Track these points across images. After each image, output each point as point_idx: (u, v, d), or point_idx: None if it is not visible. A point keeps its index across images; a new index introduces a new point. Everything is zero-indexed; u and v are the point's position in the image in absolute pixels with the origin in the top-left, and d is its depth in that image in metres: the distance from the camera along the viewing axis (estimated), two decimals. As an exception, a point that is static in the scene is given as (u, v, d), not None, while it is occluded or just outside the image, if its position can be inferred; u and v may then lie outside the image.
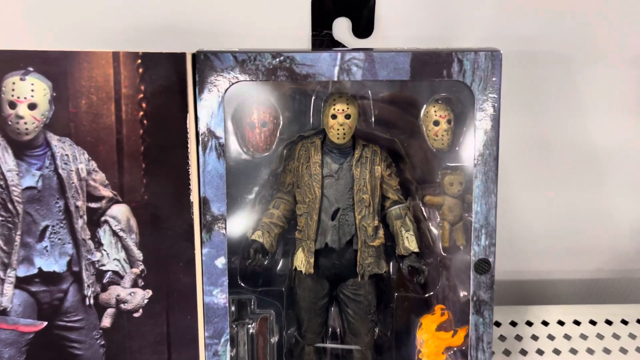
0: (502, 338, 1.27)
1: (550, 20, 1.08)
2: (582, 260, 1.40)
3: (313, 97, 0.91)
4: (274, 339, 0.93)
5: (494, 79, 0.84)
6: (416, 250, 0.90)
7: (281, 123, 0.90)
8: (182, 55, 0.81)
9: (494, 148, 0.88)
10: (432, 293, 0.94)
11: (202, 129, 0.82)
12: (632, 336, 1.25)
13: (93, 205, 0.80)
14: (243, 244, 0.90)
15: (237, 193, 0.90)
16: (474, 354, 0.89)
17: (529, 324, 1.29)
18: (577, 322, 1.28)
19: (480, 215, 0.87)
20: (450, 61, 0.84)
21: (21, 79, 0.75)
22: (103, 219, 0.82)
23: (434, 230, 0.93)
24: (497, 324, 1.30)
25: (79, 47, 0.80)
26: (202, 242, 0.85)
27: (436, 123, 0.88)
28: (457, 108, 0.88)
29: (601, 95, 1.17)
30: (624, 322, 1.27)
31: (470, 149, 0.86)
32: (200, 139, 0.83)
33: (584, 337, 1.25)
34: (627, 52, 1.13)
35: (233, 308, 0.89)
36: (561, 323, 1.28)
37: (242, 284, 0.92)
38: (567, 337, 1.26)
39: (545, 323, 1.29)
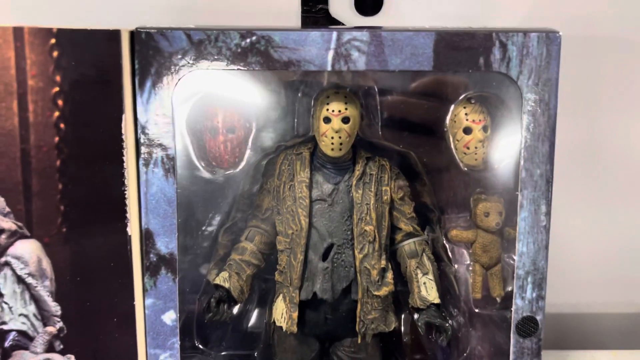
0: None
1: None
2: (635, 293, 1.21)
3: (300, 94, 0.67)
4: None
5: (549, 70, 0.65)
6: (437, 301, 0.71)
7: (254, 128, 0.71)
8: (116, 34, 0.63)
9: (547, 167, 0.65)
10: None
11: (144, 136, 0.65)
12: None
13: None
14: (202, 291, 0.73)
15: (193, 224, 0.73)
16: None
17: None
18: None
19: (527, 257, 0.69)
20: (490, 45, 0.63)
21: None
22: (3, 260, 0.63)
23: (462, 276, 0.74)
24: None
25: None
26: (144, 291, 0.68)
27: (468, 131, 0.70)
28: (497, 111, 0.70)
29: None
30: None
31: (514, 166, 0.68)
32: (140, 150, 0.65)
33: (639, 394, 1.02)
34: None
35: None
36: None
37: (200, 346, 0.75)
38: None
39: None
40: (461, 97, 0.69)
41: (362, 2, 0.79)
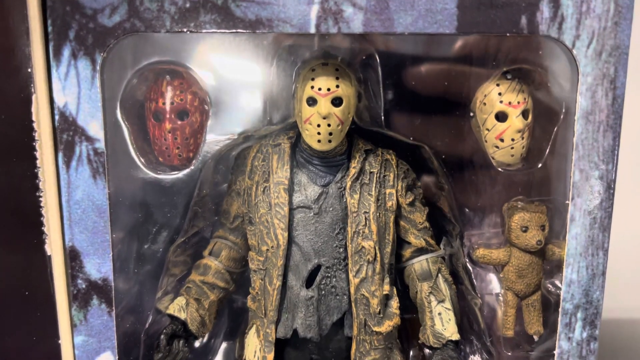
0: None
1: None
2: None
3: (274, 60, 0.51)
4: None
5: (618, 34, 0.49)
6: (455, 337, 0.57)
7: (210, 111, 0.56)
8: None
9: (608, 167, 0.50)
10: None
11: (63, 123, 0.50)
12: None
13: None
14: (150, 323, 0.59)
15: (134, 238, 0.57)
16: None
17: None
18: None
19: (577, 287, 0.54)
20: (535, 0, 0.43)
21: None
22: None
23: (490, 305, 0.60)
24: None
25: None
26: (72, 326, 0.54)
27: (502, 117, 0.55)
28: (543, 91, 0.55)
29: None
30: None
31: (564, 166, 0.53)
32: (59, 141, 0.51)
33: None
34: None
35: None
36: None
37: None
38: None
39: None
40: (495, 74, 0.52)
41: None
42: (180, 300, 0.57)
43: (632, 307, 1.14)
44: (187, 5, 0.47)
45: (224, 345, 0.63)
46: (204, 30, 0.48)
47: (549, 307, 0.58)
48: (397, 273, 0.60)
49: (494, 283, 0.60)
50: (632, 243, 1.06)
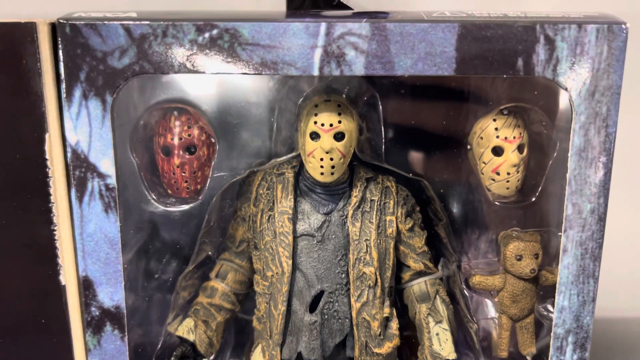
0: None
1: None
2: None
3: (278, 106, 0.52)
4: None
5: (610, 75, 0.49)
6: (452, 357, 0.59)
7: (217, 146, 0.57)
8: (30, 27, 0.45)
9: (600, 201, 0.50)
10: None
11: (75, 160, 0.51)
12: None
13: None
14: (161, 346, 0.60)
15: (145, 267, 0.59)
16: None
17: None
18: None
19: (568, 313, 0.56)
20: (533, 41, 0.49)
21: None
22: None
23: (485, 328, 0.61)
24: None
25: None
26: (87, 351, 0.56)
27: (498, 151, 0.56)
28: (537, 127, 0.57)
29: None
30: None
31: (557, 198, 0.54)
32: (72, 178, 0.52)
33: None
34: None
35: None
36: None
37: None
38: None
39: None
40: (493, 110, 0.53)
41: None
42: (189, 322, 0.59)
43: (624, 306, 1.19)
44: (194, 48, 0.48)
45: None
46: (210, 72, 0.49)
47: (542, 331, 0.59)
48: (396, 294, 0.60)
49: (489, 307, 0.60)
50: (624, 245, 1.10)
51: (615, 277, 1.07)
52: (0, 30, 0.47)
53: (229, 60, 0.48)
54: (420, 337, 0.59)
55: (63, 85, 0.49)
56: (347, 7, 0.56)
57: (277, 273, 0.56)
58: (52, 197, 0.50)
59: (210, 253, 0.58)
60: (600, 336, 1.06)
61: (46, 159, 0.50)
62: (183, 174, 0.53)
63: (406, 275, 0.59)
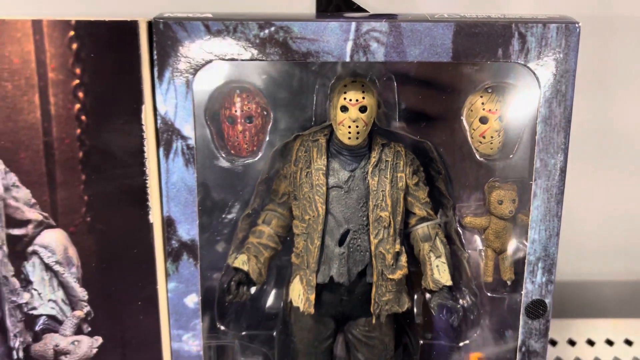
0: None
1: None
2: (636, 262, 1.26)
3: (317, 86, 0.68)
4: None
5: (567, 62, 0.65)
6: (449, 283, 0.73)
7: (272, 116, 0.71)
8: (133, 25, 0.61)
9: (560, 157, 0.65)
10: (467, 341, 0.77)
11: (164, 125, 0.65)
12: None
13: (16, 232, 0.64)
14: (222, 274, 0.74)
15: (214, 210, 0.73)
16: (519, 419, 0.70)
17: (572, 342, 1.15)
18: (628, 342, 1.14)
19: (538, 244, 0.70)
20: (509, 36, 0.63)
21: None
22: (31, 249, 0.65)
23: (474, 259, 0.75)
24: (552, 343, 1.17)
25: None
26: (166, 275, 0.69)
27: (484, 120, 0.69)
28: (514, 101, 0.70)
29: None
30: None
31: (529, 156, 0.69)
32: (160, 139, 0.65)
33: (637, 360, 1.10)
34: None
35: (210, 357, 0.73)
36: (610, 343, 1.14)
37: (221, 327, 0.76)
38: (638, 361, 1.10)
39: (590, 342, 1.15)
40: (479, 87, 0.69)
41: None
42: (243, 257, 0.72)
43: (584, 271, 1.28)
44: (257, 41, 0.63)
45: (273, 291, 0.78)
46: (268, 59, 0.64)
47: (519, 260, 0.72)
48: (405, 236, 0.74)
49: (477, 242, 0.75)
50: (580, 219, 1.15)
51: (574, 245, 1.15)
52: (112, 26, 0.60)
53: (283, 50, 0.63)
54: (423, 269, 0.73)
55: (156, 68, 0.62)
56: (364, 10, 0.72)
57: (313, 216, 0.71)
58: (145, 154, 0.64)
59: (262, 202, 0.74)
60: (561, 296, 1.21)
61: (142, 125, 0.63)
62: (244, 138, 0.68)
63: (412, 221, 0.73)
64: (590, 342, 1.12)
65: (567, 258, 1.21)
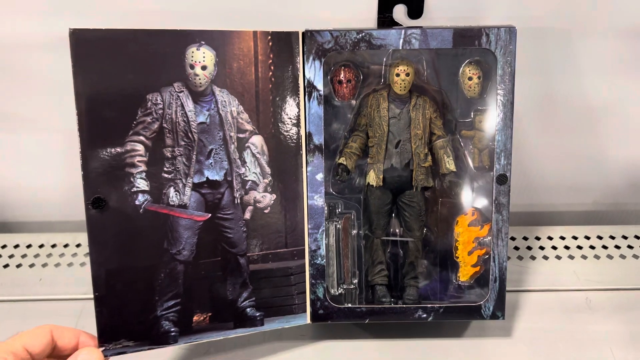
0: (516, 248, 1.64)
1: (556, 2, 1.41)
2: (582, 195, 1.70)
3: (384, 61, 1.29)
4: (354, 232, 1.33)
5: (510, 47, 1.17)
6: (454, 169, 1.29)
7: (361, 80, 1.27)
8: (296, 34, 1.20)
9: (510, 96, 1.26)
10: (465, 200, 1.28)
11: (308, 84, 1.18)
12: (617, 247, 1.58)
13: (240, 135, 1.13)
14: (334, 165, 1.25)
15: (331, 129, 1.24)
16: (495, 241, 1.29)
17: (538, 238, 1.64)
18: (574, 237, 1.64)
19: (501, 142, 1.21)
20: (480, 35, 1.22)
21: (197, 49, 1.15)
22: (247, 144, 1.14)
23: (468, 155, 1.28)
24: (513, 239, 1.66)
25: (226, 28, 1.20)
26: (307, 163, 1.18)
27: (470, 78, 1.22)
28: (485, 67, 1.20)
29: (595, 61, 1.48)
30: (612, 237, 1.62)
31: (494, 96, 1.19)
32: (306, 91, 1.17)
33: (579, 247, 1.59)
34: (616, 25, 1.43)
35: (327, 209, 1.23)
36: (562, 238, 1.64)
37: (333, 192, 1.25)
38: (567, 247, 1.59)
39: (550, 238, 1.64)
40: (466, 61, 1.31)
41: (411, 11, 1.43)
42: (344, 158, 1.22)
43: (537, 203, 1.69)
44: (355, 40, 1.25)
45: (358, 179, 1.32)
46: (360, 49, 1.27)
47: (492, 153, 1.23)
48: (430, 147, 1.33)
49: (469, 145, 1.30)
50: (532, 158, 1.62)
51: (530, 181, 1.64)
52: (281, 36, 1.24)
53: (368, 45, 1.26)
54: (440, 163, 1.23)
55: (304, 57, 1.23)
56: (399, 24, 1.35)
57: (381, 134, 1.28)
58: (298, 99, 1.25)
59: (353, 128, 1.35)
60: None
61: (298, 85, 1.26)
62: (348, 91, 1.30)
63: (434, 138, 1.26)
64: (550, 238, 1.62)
65: (536, 193, 1.70)
